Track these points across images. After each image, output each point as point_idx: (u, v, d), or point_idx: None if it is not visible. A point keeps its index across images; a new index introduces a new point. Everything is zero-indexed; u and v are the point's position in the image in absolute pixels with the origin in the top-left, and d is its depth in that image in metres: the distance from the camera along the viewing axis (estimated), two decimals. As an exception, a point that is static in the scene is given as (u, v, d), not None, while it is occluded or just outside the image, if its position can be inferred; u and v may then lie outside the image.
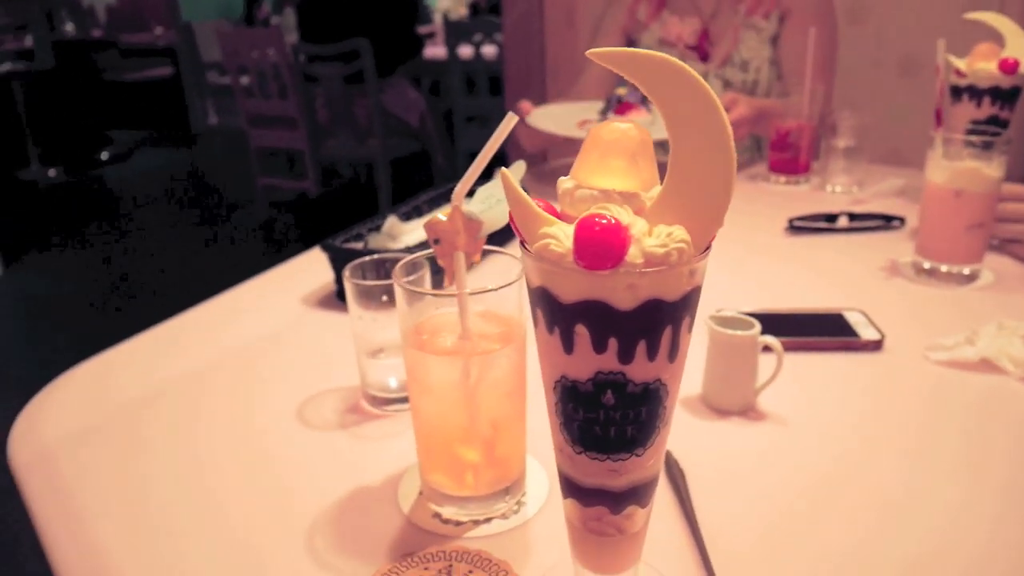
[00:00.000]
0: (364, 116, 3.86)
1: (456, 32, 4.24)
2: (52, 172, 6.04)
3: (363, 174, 4.98)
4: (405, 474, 0.67)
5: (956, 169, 1.01)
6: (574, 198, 0.40)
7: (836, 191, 1.50)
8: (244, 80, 4.12)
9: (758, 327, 0.74)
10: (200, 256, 4.12)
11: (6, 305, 3.63)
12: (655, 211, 0.39)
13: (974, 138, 1.00)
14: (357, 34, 3.60)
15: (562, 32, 2.47)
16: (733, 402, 0.75)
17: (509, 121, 0.54)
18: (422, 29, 4.45)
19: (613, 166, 0.39)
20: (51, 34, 6.34)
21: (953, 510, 0.61)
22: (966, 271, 1.06)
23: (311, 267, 1.14)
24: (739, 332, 0.73)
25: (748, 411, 0.76)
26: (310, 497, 0.64)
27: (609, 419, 0.42)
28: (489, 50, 4.20)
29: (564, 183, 0.41)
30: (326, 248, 1.03)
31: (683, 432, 0.72)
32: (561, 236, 0.38)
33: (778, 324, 0.90)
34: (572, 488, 0.47)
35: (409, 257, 0.63)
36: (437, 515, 0.61)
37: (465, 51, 4.24)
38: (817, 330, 0.90)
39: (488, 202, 0.61)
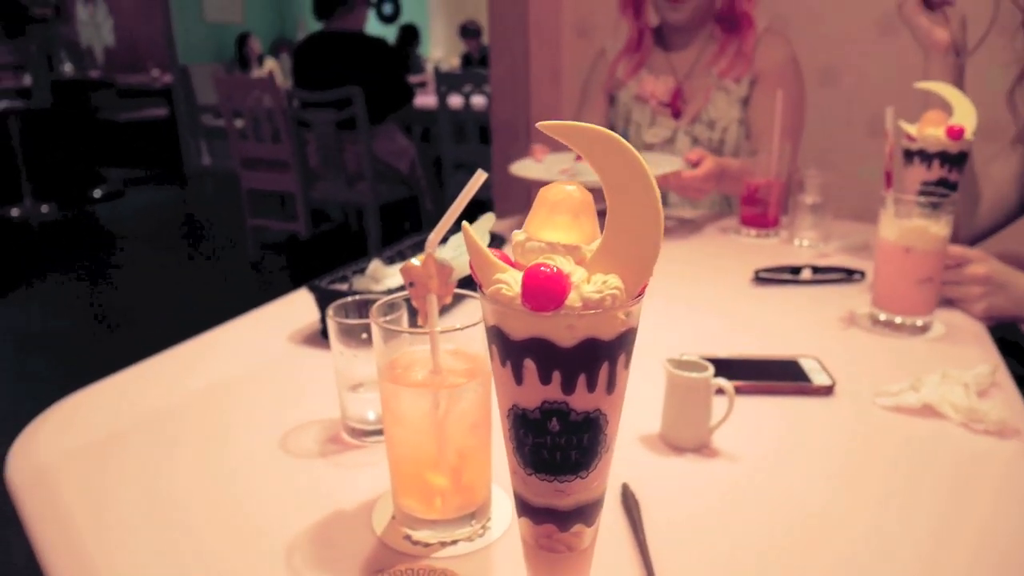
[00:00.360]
0: (354, 161, 3.95)
1: (447, 82, 4.37)
2: (45, 208, 6.09)
3: (353, 218, 5.06)
4: (379, 499, 0.71)
5: (905, 227, 1.08)
6: (524, 249, 0.46)
7: (803, 245, 1.58)
8: (238, 123, 4.21)
9: (711, 370, 0.80)
10: (190, 294, 4.15)
11: (-7, 338, 3.65)
12: (594, 262, 0.44)
13: (923, 199, 1.07)
14: (350, 82, 3.70)
15: (547, 87, 2.57)
16: (689, 440, 0.81)
17: (479, 177, 0.60)
18: (414, 78, 4.58)
19: (558, 222, 0.45)
20: (50, 74, 6.44)
21: (891, 541, 0.66)
22: (919, 323, 1.12)
23: (297, 306, 1.20)
24: (694, 375, 0.79)
25: (703, 448, 0.81)
26: (290, 520, 0.69)
27: (555, 444, 0.47)
28: (478, 100, 4.33)
29: (517, 235, 0.47)
30: (312, 289, 1.08)
31: (640, 467, 0.78)
32: (512, 282, 0.44)
33: (736, 369, 0.96)
34: (525, 507, 0.52)
35: (387, 298, 0.68)
36: (408, 537, 0.66)
37: (455, 100, 4.36)
38: (772, 375, 0.96)
39: (459, 250, 0.67)
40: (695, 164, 1.61)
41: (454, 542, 0.65)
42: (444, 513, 0.66)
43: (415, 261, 0.65)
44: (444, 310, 0.65)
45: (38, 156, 6.16)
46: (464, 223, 0.49)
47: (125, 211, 6.22)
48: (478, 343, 0.64)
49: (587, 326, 0.44)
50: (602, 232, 0.44)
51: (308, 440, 0.83)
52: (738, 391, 0.92)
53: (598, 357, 0.45)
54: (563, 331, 0.44)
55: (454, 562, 0.63)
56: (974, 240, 1.45)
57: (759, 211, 1.63)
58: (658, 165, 1.58)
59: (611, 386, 0.47)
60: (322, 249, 4.74)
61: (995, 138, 1.51)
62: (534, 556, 0.54)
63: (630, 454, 0.80)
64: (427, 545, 0.65)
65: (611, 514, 0.69)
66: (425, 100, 5.07)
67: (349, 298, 0.82)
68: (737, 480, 0.76)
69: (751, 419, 0.87)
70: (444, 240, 0.67)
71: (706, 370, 0.80)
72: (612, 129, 1.98)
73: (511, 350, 0.46)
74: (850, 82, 2.34)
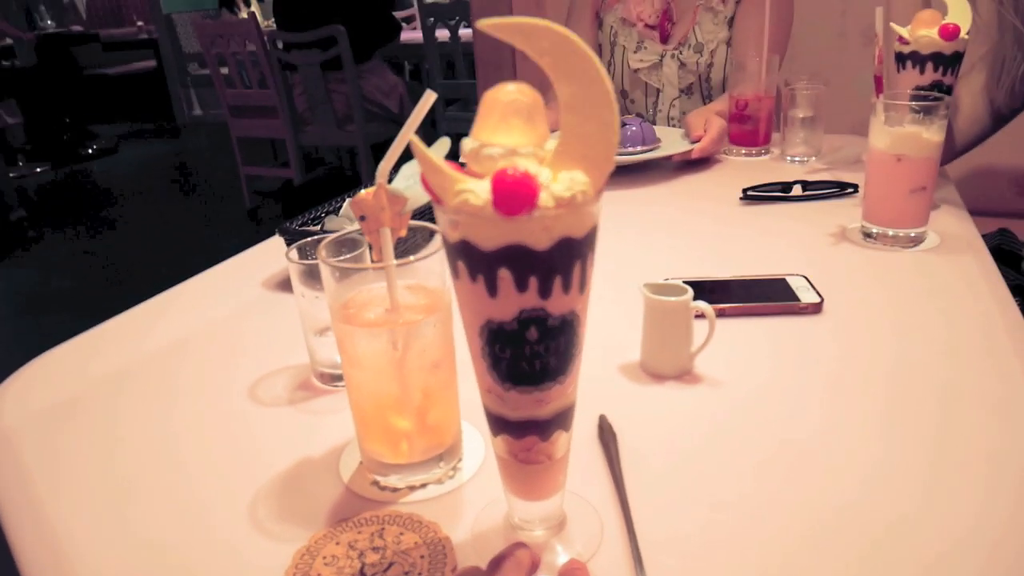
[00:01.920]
0: (343, 102, 3.86)
1: (432, 15, 4.24)
2: (39, 168, 6.04)
3: (347, 160, 4.99)
4: (348, 446, 0.69)
5: (897, 134, 1.03)
6: (481, 156, 0.44)
7: (795, 161, 1.53)
8: (223, 71, 4.12)
9: (690, 293, 0.76)
10: (187, 245, 4.13)
11: (-5, 300, 3.65)
12: (555, 161, 0.43)
13: (914, 104, 1.02)
14: (333, 21, 3.59)
15: (531, 11, 2.47)
16: (669, 367, 0.78)
17: (428, 98, 0.56)
18: (399, 13, 4.44)
19: (512, 124, 0.44)
20: (31, 31, 6.31)
21: (883, 466, 0.64)
22: (912, 234, 1.08)
23: (272, 252, 1.16)
24: (672, 298, 0.76)
25: (684, 376, 0.78)
26: (256, 471, 0.67)
27: (534, 353, 0.47)
28: (467, 32, 4.20)
29: (468, 143, 0.45)
30: (282, 232, 1.05)
31: (619, 397, 0.75)
32: (477, 190, 0.42)
33: (720, 291, 0.93)
34: (503, 425, 0.51)
35: (339, 234, 0.65)
36: (375, 483, 0.64)
37: (442, 34, 4.24)
38: (759, 295, 0.92)
39: (412, 179, 0.63)
40: (704, 130, 1.53)
41: (423, 486, 0.63)
42: (411, 456, 0.63)
43: (364, 192, 0.61)
44: (395, 243, 0.61)
45: (28, 116, 6.09)
46: (413, 137, 0.47)
47: (119, 166, 6.16)
48: (436, 276, 0.61)
49: (562, 226, 0.43)
50: (555, 132, 0.43)
51: (278, 388, 0.80)
52: (722, 314, 0.89)
53: (572, 256, 0.44)
54: (539, 233, 0.42)
55: (422, 506, 0.61)
56: (952, 157, 1.38)
57: (749, 128, 1.57)
58: (671, 148, 1.52)
59: (583, 285, 0.46)
60: (317, 194, 4.68)
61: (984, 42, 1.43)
62: (515, 471, 0.53)
63: (608, 385, 0.77)
64: (395, 490, 0.63)
65: (587, 448, 0.67)
66: (412, 36, 4.93)
67: (311, 238, 0.78)
68: (719, 406, 0.73)
69: (736, 342, 0.84)
70: (396, 170, 0.63)
71: (685, 293, 0.76)
72: (599, 52, 1.90)
73: (482, 263, 0.44)
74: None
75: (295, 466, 0.67)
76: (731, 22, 1.74)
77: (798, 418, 0.71)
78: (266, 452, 0.70)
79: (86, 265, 4.03)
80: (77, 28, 7.48)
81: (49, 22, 7.21)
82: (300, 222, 1.07)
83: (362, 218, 0.62)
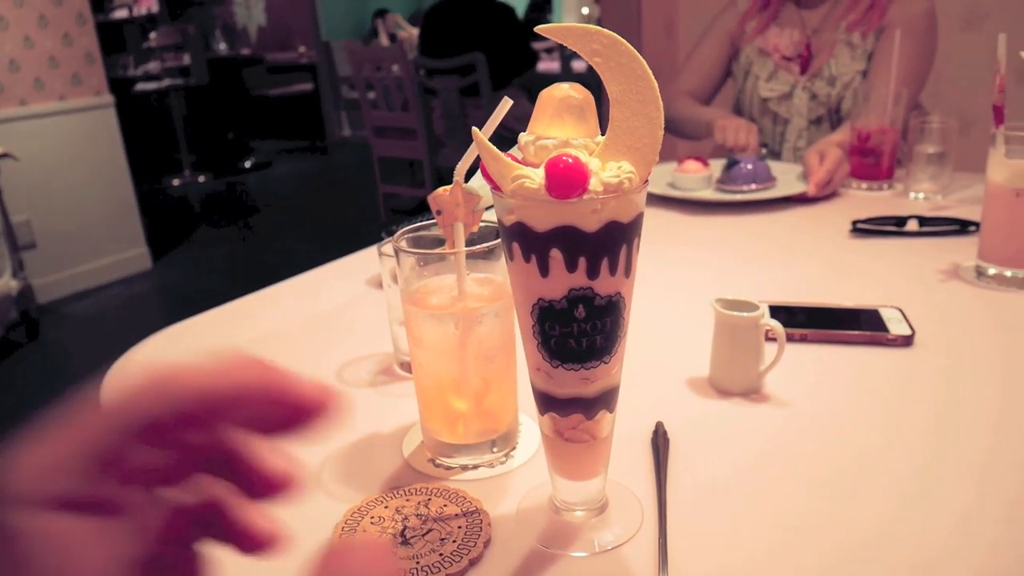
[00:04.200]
0: (478, 126, 3.99)
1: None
2: (202, 178, 6.58)
3: (479, 184, 5.14)
4: (413, 427, 0.74)
5: (1017, 168, 0.98)
6: (536, 147, 0.49)
7: (919, 198, 1.46)
8: (371, 95, 4.37)
9: (761, 310, 0.76)
10: (327, 255, 4.37)
11: (152, 294, 4.01)
12: (604, 152, 0.48)
13: (1036, 136, 0.97)
14: (473, 48, 3.74)
15: (660, 39, 2.49)
16: (736, 383, 0.78)
17: (504, 104, 0.61)
18: (539, 45, 4.56)
19: (566, 120, 0.49)
20: (206, 53, 6.91)
21: (959, 513, 0.59)
22: (1031, 275, 1.02)
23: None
24: (742, 314, 0.76)
25: (751, 393, 0.77)
26: (330, 440, 0.72)
27: (581, 331, 0.50)
28: (603, 63, 4.25)
29: (524, 137, 0.51)
30: (388, 233, 1.12)
31: (680, 406, 0.76)
32: (533, 175, 0.47)
33: (807, 316, 0.92)
34: (550, 402, 0.54)
35: (416, 225, 0.70)
36: (432, 460, 0.68)
37: (579, 65, 4.32)
38: (846, 323, 0.90)
39: (484, 178, 0.67)
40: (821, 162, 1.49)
41: (475, 467, 0.67)
42: (466, 438, 0.67)
43: (442, 189, 0.66)
44: (468, 237, 0.65)
45: (197, 130, 6.67)
46: (475, 129, 0.52)
47: (272, 180, 6.63)
48: (502, 270, 0.65)
49: (609, 210, 0.47)
50: (605, 127, 0.48)
51: (362, 371, 0.86)
52: (803, 339, 0.87)
53: (619, 240, 0.48)
54: (588, 216, 0.47)
55: (470, 484, 0.64)
56: None
57: (870, 161, 1.52)
58: (786, 188, 1.49)
59: (628, 269, 0.50)
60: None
61: None
62: (560, 449, 0.56)
63: (673, 395, 0.78)
64: (448, 468, 0.67)
65: (640, 450, 0.68)
66: (551, 65, 5.05)
67: (402, 233, 0.84)
68: (781, 427, 0.72)
69: (813, 367, 0.83)
70: (472, 171, 0.67)
71: (756, 310, 0.76)
72: (733, 79, 1.92)
73: (536, 243, 0.49)
74: (995, 27, 2.12)
75: (364, 439, 0.72)
76: (870, 57, 1.70)
77: (861, 449, 0.68)
78: (342, 425, 0.75)
79: (232, 266, 4.35)
80: (246, 52, 8.13)
81: (222, 45, 7.87)
82: (408, 226, 1.14)
83: (438, 212, 0.66)
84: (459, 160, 0.65)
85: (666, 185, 1.54)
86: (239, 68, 7.44)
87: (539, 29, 0.50)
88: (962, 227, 1.24)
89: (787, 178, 1.55)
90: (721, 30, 1.92)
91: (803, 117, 1.79)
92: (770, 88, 1.81)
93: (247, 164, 6.92)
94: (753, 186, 1.48)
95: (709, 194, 1.50)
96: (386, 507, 0.60)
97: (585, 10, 7.76)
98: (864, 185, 1.54)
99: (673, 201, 1.51)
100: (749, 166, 1.48)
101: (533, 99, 0.52)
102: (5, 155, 3.18)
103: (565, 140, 0.49)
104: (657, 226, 1.37)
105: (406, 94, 4.10)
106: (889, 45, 1.64)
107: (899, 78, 1.50)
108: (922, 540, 0.56)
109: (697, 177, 1.52)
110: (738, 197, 1.46)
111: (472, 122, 4.29)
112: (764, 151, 1.67)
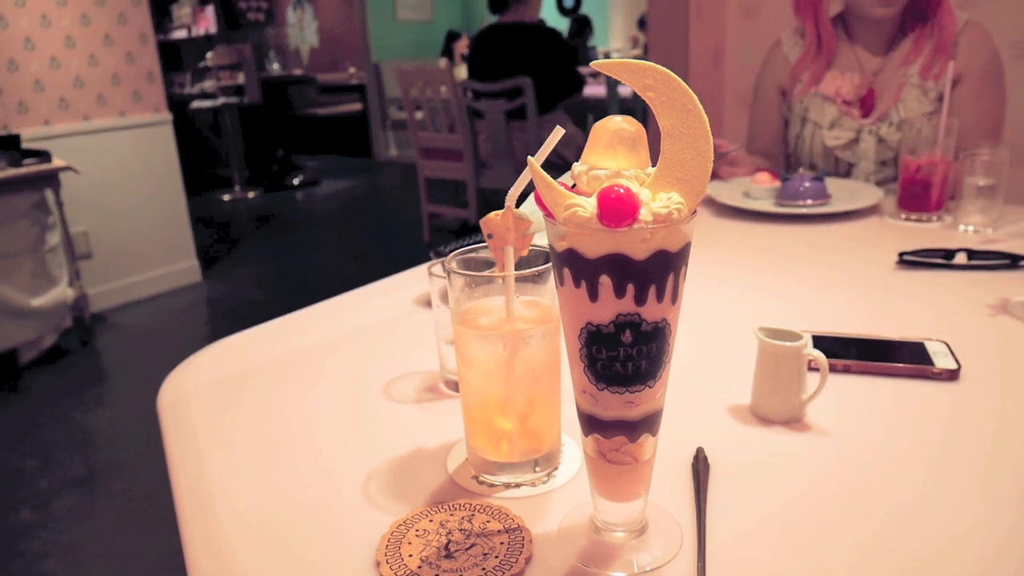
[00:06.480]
0: (523, 149, 4.04)
1: (617, 71, 4.35)
2: (251, 194, 6.74)
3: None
4: (458, 444, 0.75)
5: (1069, 205, 0.97)
6: (589, 177, 0.51)
7: (969, 231, 1.45)
8: (418, 115, 4.45)
9: (804, 340, 0.76)
10: (369, 273, 4.44)
11: (201, 306, 4.11)
12: (654, 183, 0.50)
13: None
14: (520, 72, 3.80)
15: (708, 68, 2.50)
16: (778, 412, 0.78)
17: (556, 133, 0.63)
18: (586, 69, 4.60)
19: (618, 151, 0.51)
20: (259, 73, 7.10)
21: (1003, 545, 0.60)
22: (1083, 313, 1.00)
23: (426, 273, 1.27)
24: (785, 343, 0.76)
25: (793, 423, 0.78)
26: (377, 455, 0.74)
27: (627, 355, 0.52)
28: (649, 89, 4.28)
29: (578, 167, 0.53)
30: (436, 254, 1.15)
31: (722, 434, 0.76)
32: (585, 204, 0.49)
33: (851, 347, 0.92)
34: (594, 424, 0.56)
35: (467, 248, 0.72)
36: (475, 477, 0.70)
37: (625, 90, 4.35)
38: (890, 356, 0.90)
39: (536, 205, 0.69)
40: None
41: (518, 486, 0.68)
42: (510, 456, 0.68)
43: (493, 214, 0.68)
44: (517, 261, 0.68)
45: (248, 147, 6.85)
46: (530, 158, 0.54)
47: (318, 197, 6.76)
48: (550, 294, 0.66)
49: (658, 239, 0.49)
50: (656, 159, 0.50)
51: (408, 388, 0.88)
52: (847, 370, 0.88)
53: (666, 268, 0.50)
54: (637, 244, 0.49)
55: (513, 502, 0.66)
56: None
57: (919, 192, 1.50)
58: (841, 204, 1.60)
59: (675, 296, 0.52)
60: (491, 235, 4.89)
61: None
62: (602, 470, 0.58)
63: (714, 422, 0.79)
64: (491, 486, 0.68)
65: (681, 475, 0.69)
66: (597, 90, 5.09)
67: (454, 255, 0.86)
68: (823, 456, 0.72)
69: (856, 398, 0.83)
70: (524, 197, 0.70)
71: (799, 339, 0.77)
72: (787, 128, 2.00)
73: (586, 269, 0.51)
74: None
75: (409, 454, 0.74)
76: (941, 98, 1.67)
77: (904, 483, 0.68)
78: (387, 439, 0.77)
79: (277, 281, 4.45)
80: (298, 72, 8.33)
81: (275, 66, 8.07)
82: (456, 248, 1.16)
83: (489, 236, 0.69)
84: (503, 182, 0.67)
85: (741, 194, 1.69)
86: (290, 87, 7.63)
87: (595, 65, 0.53)
88: (1013, 262, 1.22)
89: (841, 195, 1.64)
90: (769, 86, 1.91)
91: (871, 161, 1.77)
92: (835, 136, 1.78)
93: (295, 181, 7.07)
94: (809, 202, 1.58)
95: (763, 205, 1.62)
96: (431, 520, 0.62)
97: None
98: (913, 216, 1.53)
99: (733, 211, 1.65)
100: (807, 184, 1.59)
101: (578, 123, 0.55)
102: (67, 168, 3.30)
103: (617, 171, 0.51)
104: (713, 238, 1.39)
105: (453, 116, 4.17)
106: (966, 94, 1.65)
107: (949, 111, 1.49)
108: None
109: (766, 188, 1.66)
110: (789, 210, 1.58)
111: (517, 145, 4.33)
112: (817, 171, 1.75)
